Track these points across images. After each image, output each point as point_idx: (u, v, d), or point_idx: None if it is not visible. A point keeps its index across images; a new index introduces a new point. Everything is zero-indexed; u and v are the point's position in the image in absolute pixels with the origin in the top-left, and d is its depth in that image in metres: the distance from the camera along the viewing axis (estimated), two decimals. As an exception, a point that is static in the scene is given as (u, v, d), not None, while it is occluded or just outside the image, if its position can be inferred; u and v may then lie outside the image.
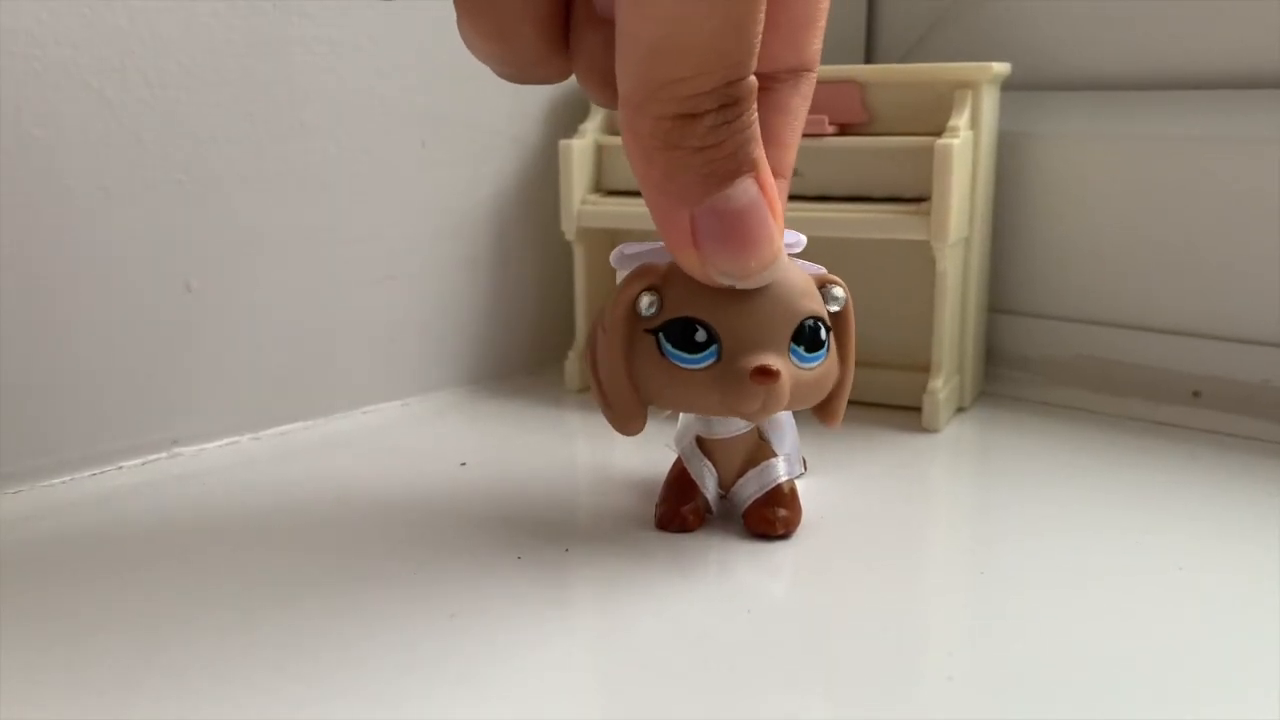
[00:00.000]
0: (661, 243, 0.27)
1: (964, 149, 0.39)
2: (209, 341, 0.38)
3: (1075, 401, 0.43)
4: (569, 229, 0.44)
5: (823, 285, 0.29)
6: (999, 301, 0.46)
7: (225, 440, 0.39)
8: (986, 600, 0.27)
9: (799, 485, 0.31)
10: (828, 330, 0.28)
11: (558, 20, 0.26)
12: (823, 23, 0.28)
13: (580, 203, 0.44)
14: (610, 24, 0.25)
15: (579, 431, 0.41)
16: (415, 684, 0.23)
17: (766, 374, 0.26)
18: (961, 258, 0.41)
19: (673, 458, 0.32)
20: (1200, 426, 0.40)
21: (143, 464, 0.36)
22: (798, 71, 0.28)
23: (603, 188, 0.45)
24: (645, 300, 0.28)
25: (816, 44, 0.28)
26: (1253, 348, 0.40)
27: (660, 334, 0.27)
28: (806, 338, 0.28)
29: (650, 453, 0.33)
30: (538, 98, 0.46)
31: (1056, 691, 0.23)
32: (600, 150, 0.44)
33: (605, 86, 0.26)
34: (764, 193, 0.25)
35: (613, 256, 0.30)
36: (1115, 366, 0.44)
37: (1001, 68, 0.41)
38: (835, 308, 0.29)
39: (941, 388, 0.40)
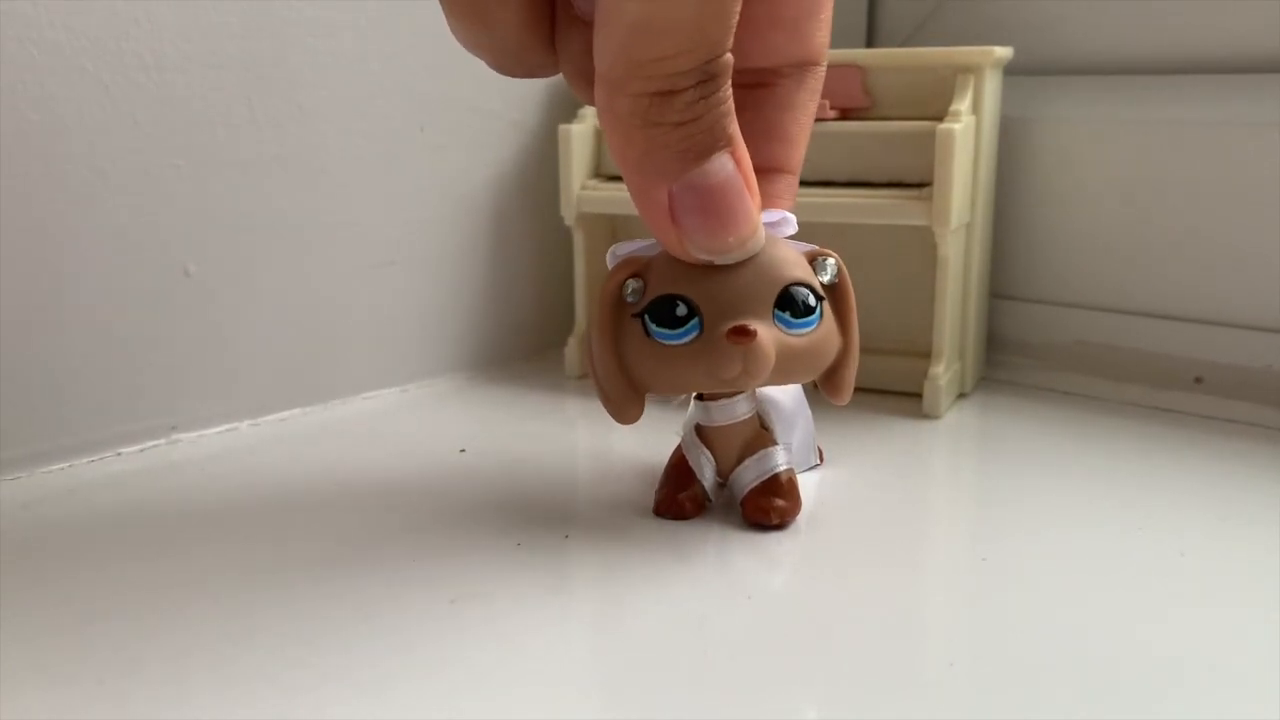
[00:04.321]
0: (654, 240, 0.27)
1: (966, 134, 0.39)
2: (208, 327, 0.38)
3: (1076, 387, 0.43)
4: (568, 214, 0.44)
5: (814, 258, 0.29)
6: (1000, 287, 0.46)
7: (224, 426, 0.39)
8: (988, 587, 0.27)
9: (811, 474, 0.31)
10: (819, 298, 0.28)
11: (539, 7, 0.26)
12: (826, 14, 0.28)
13: (580, 188, 0.43)
14: (591, 26, 0.24)
15: (579, 418, 0.41)
16: (414, 670, 0.23)
17: (743, 333, 0.26)
18: (963, 243, 0.41)
19: (669, 447, 0.32)
20: (1201, 412, 0.40)
21: (141, 450, 0.36)
22: (803, 65, 0.28)
23: (602, 173, 0.44)
24: (629, 286, 0.28)
25: (820, 36, 0.28)
26: (1254, 333, 0.40)
27: (645, 316, 0.28)
28: (792, 303, 0.27)
29: (650, 439, 0.33)
30: (537, 82, 0.46)
31: (1058, 677, 0.23)
32: (600, 135, 0.44)
33: (591, 88, 0.26)
34: (740, 168, 0.25)
35: (608, 257, 0.30)
36: (1116, 352, 0.43)
37: (1004, 52, 0.41)
38: (826, 277, 0.29)
39: (942, 374, 0.40)
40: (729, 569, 0.28)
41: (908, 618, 0.26)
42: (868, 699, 0.22)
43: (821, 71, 0.28)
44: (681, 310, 0.27)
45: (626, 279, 0.28)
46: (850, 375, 0.30)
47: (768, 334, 0.27)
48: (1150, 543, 0.29)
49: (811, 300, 0.28)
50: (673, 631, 0.25)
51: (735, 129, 0.25)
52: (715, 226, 0.25)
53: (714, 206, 0.25)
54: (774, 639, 0.24)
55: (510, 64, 0.27)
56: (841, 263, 0.29)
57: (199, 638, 0.24)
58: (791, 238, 0.29)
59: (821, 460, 0.35)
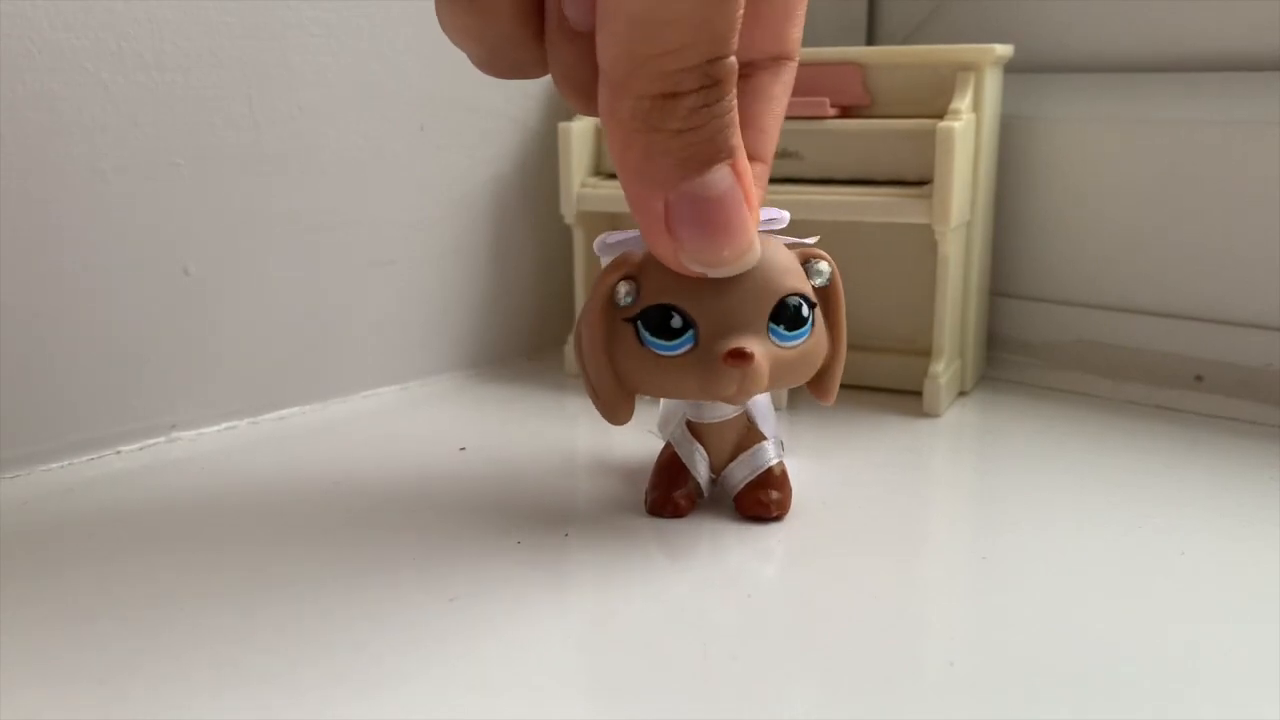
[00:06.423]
0: None
1: (966, 132, 0.39)
2: (207, 326, 0.38)
3: (1077, 386, 0.43)
4: (568, 212, 0.44)
5: (806, 260, 0.29)
6: (1000, 285, 0.46)
7: (224, 425, 0.39)
8: (988, 585, 0.27)
9: (810, 472, 0.31)
10: (811, 306, 0.28)
11: (532, 2, 0.25)
12: (802, 13, 0.28)
13: (580, 186, 0.43)
14: (583, 36, 0.25)
15: (578, 416, 0.41)
16: (415, 667, 0.23)
17: (740, 357, 0.26)
18: (963, 241, 0.41)
19: (659, 445, 0.32)
20: (1202, 411, 0.40)
21: (141, 448, 0.36)
22: (778, 60, 0.28)
23: (602, 171, 0.44)
24: (622, 289, 0.28)
25: (796, 34, 0.28)
26: (1255, 331, 0.40)
27: (638, 322, 0.27)
28: (786, 316, 0.27)
29: (649, 437, 0.33)
30: (537, 81, 0.46)
31: (1058, 677, 0.23)
32: (599, 133, 0.44)
33: (583, 96, 0.26)
34: (740, 181, 0.25)
35: (596, 245, 0.30)
36: (1117, 350, 0.43)
37: (1004, 50, 0.41)
38: (819, 282, 0.29)
39: (943, 372, 0.40)
40: (729, 567, 0.28)
41: (907, 616, 0.26)
42: (867, 698, 0.22)
43: (794, 66, 0.29)
44: (676, 322, 0.27)
45: (618, 281, 0.28)
46: (837, 377, 0.30)
47: (763, 352, 0.27)
48: (1150, 542, 0.29)
49: (805, 310, 0.28)
50: (674, 629, 0.25)
51: (738, 141, 0.25)
52: (711, 239, 0.25)
53: (711, 219, 0.25)
54: (773, 638, 0.24)
55: (497, 58, 0.26)
56: (834, 265, 0.29)
57: (199, 636, 0.24)
58: (781, 231, 0.29)
59: (783, 450, 0.34)
